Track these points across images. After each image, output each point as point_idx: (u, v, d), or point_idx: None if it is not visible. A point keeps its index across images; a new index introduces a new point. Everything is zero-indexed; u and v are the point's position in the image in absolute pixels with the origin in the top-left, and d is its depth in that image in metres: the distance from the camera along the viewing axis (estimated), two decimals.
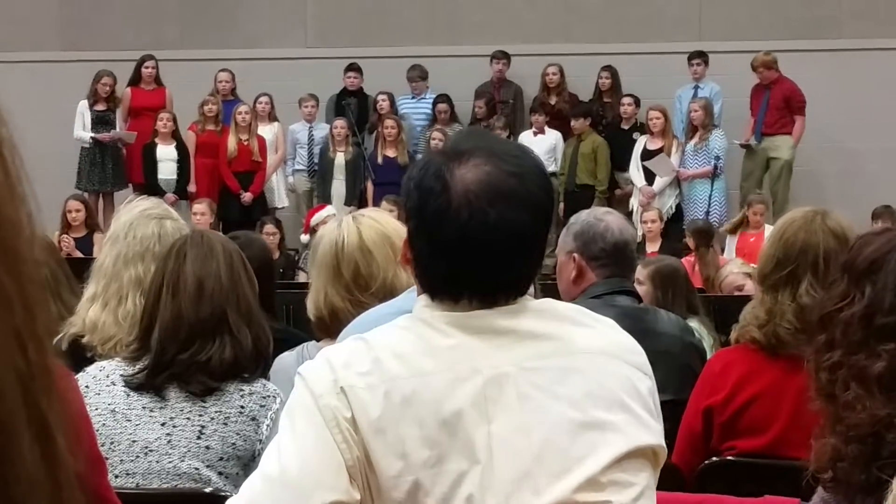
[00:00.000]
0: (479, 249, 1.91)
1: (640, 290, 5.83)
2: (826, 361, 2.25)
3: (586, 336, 1.97)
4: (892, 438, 2.12)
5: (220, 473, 3.01)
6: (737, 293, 6.84)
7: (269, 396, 3.06)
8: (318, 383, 1.88)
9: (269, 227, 11.09)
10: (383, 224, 3.29)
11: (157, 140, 12.25)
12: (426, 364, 1.89)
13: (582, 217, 4.01)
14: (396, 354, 1.90)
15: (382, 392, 1.86)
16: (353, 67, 12.99)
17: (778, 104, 11.98)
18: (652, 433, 1.95)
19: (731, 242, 10.87)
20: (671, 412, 2.91)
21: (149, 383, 3.04)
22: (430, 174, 1.93)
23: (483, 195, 1.89)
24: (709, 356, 4.03)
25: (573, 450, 1.88)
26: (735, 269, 7.37)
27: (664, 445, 1.99)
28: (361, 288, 3.19)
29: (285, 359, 3.36)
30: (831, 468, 2.19)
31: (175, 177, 12.24)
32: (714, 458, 3.35)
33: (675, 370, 3.66)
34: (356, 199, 12.24)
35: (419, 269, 2.01)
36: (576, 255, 3.88)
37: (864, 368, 2.18)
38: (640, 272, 6.07)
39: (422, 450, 1.85)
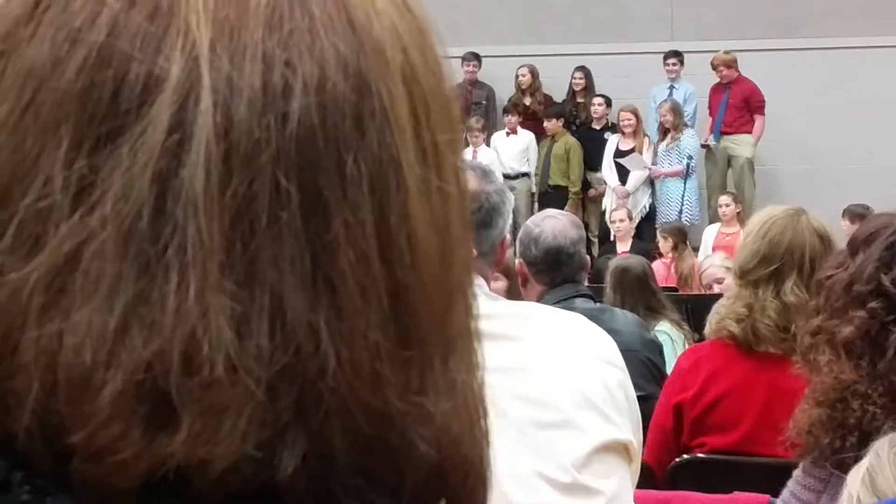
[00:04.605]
0: None
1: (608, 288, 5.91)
2: (809, 325, 2.27)
3: (551, 333, 1.93)
4: (857, 406, 2.13)
5: None
6: (716, 286, 6.81)
7: None
8: None
9: None
10: None
11: None
12: None
13: (527, 221, 4.05)
14: None
15: None
16: None
17: (737, 103, 12.00)
18: (620, 429, 1.89)
19: (709, 239, 10.87)
20: (640, 408, 2.90)
21: None
22: None
23: None
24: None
25: (537, 450, 1.83)
26: (717, 262, 7.34)
27: (633, 440, 1.93)
28: None
29: None
30: (805, 433, 2.20)
31: None
32: (685, 456, 3.34)
33: (637, 366, 3.70)
34: None
35: None
36: (518, 260, 3.93)
37: (835, 334, 2.20)
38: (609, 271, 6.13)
39: None
